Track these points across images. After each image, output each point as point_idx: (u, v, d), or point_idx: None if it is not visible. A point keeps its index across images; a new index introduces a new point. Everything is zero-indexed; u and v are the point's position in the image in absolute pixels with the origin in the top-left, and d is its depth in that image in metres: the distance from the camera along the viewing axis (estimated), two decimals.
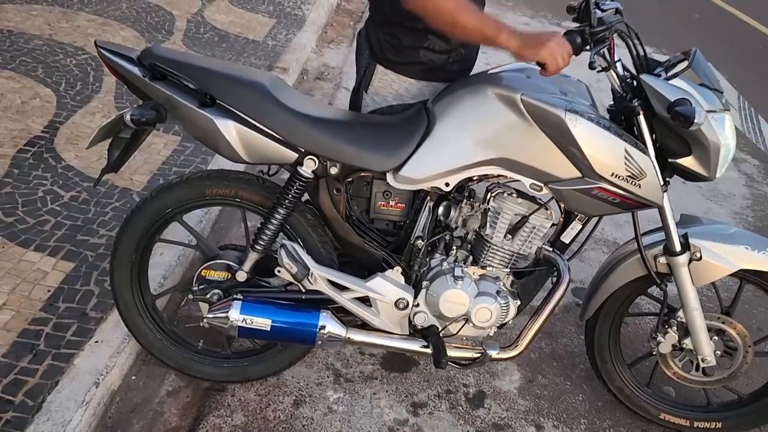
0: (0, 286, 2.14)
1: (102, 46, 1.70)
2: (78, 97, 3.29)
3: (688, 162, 1.69)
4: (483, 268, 1.84)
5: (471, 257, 1.86)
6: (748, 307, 2.73)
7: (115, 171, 1.80)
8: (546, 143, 1.64)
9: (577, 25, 1.64)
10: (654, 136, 1.70)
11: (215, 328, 1.84)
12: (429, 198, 1.81)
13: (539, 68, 1.58)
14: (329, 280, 1.82)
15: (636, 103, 1.67)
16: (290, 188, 1.74)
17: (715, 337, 1.94)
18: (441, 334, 1.87)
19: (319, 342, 1.84)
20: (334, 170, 1.73)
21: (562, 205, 1.78)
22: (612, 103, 1.78)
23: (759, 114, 4.87)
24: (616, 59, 1.70)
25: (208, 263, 1.90)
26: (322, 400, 2.07)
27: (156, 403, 2.00)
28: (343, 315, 1.88)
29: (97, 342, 2.00)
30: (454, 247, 1.87)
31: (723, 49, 6.10)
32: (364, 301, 1.85)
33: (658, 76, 1.67)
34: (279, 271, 1.82)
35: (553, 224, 1.82)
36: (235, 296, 1.84)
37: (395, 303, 1.82)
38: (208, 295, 1.87)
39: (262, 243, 1.81)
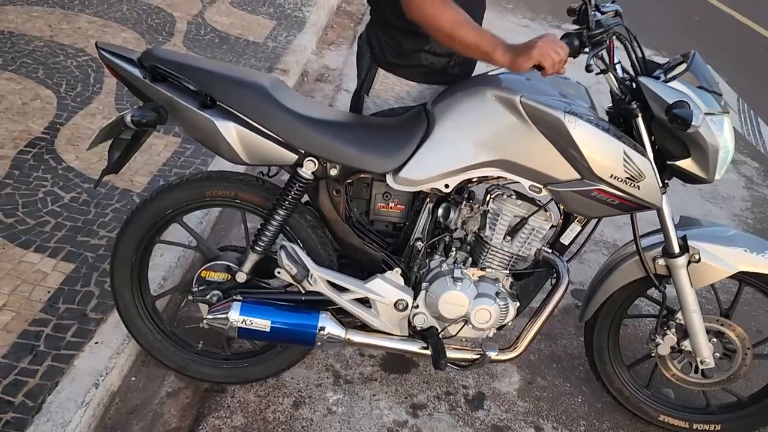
0: (0, 287, 2.14)
1: (103, 47, 1.70)
2: (78, 99, 3.29)
3: (687, 164, 1.70)
4: (482, 269, 1.84)
5: (470, 259, 1.87)
6: (748, 309, 2.74)
7: (115, 172, 1.81)
8: (545, 145, 1.65)
9: (577, 27, 1.64)
10: (653, 138, 1.71)
11: (215, 329, 1.84)
12: (428, 199, 1.82)
13: (539, 71, 1.58)
14: (329, 282, 1.82)
15: (635, 106, 1.68)
16: (290, 189, 1.75)
17: (714, 339, 1.95)
18: (440, 336, 1.87)
19: (319, 343, 1.85)
20: (333, 172, 1.74)
21: (562, 207, 1.78)
22: (611, 105, 1.79)
23: (758, 116, 4.87)
24: (615, 61, 1.71)
25: (208, 264, 1.90)
26: (321, 402, 2.08)
27: (155, 404, 2.01)
28: (342, 316, 1.88)
29: (97, 343, 2.01)
30: (454, 249, 1.87)
31: (722, 52, 6.11)
32: (364, 302, 1.85)
33: (657, 78, 1.67)
34: (279, 273, 1.82)
35: (552, 226, 1.82)
36: (234, 297, 1.85)
37: (395, 304, 1.82)
38: (207, 296, 1.87)
39: (262, 244, 1.82)
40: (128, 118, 1.62)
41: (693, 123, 1.55)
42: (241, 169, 2.29)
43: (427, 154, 1.70)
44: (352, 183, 1.86)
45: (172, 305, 2.31)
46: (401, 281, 1.85)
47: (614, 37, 1.66)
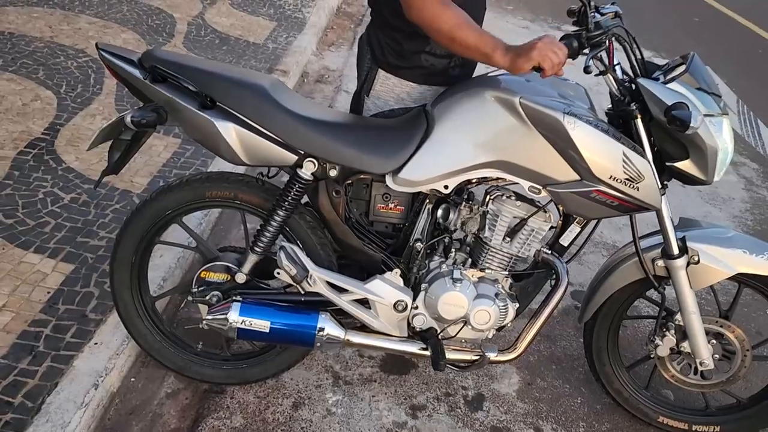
0: (0, 287, 2.14)
1: (103, 48, 1.70)
2: (79, 100, 3.29)
3: (686, 165, 1.70)
4: (482, 270, 1.84)
5: (470, 260, 1.87)
6: (747, 310, 2.74)
7: (115, 173, 1.81)
8: (544, 146, 1.65)
9: (576, 28, 1.65)
10: (652, 139, 1.71)
11: (214, 329, 1.84)
12: (428, 200, 1.82)
13: (538, 73, 1.58)
14: (328, 282, 1.82)
15: (634, 107, 1.68)
16: (290, 190, 1.75)
17: (714, 341, 1.95)
18: (440, 337, 1.87)
19: (318, 344, 1.85)
20: (333, 172, 1.74)
21: (561, 208, 1.78)
22: (610, 106, 1.79)
23: (758, 118, 4.88)
24: (614, 63, 1.71)
25: (208, 265, 1.90)
26: (321, 403, 2.08)
27: (155, 404, 2.01)
28: (342, 317, 1.88)
29: (96, 344, 2.01)
30: (453, 250, 1.87)
31: (722, 53, 6.11)
32: (363, 303, 1.85)
33: (656, 79, 1.68)
34: (278, 273, 1.82)
35: (551, 227, 1.82)
36: (234, 298, 1.85)
37: (394, 305, 1.82)
38: (207, 297, 1.87)
39: (262, 245, 1.82)
40: (128, 119, 1.62)
41: (692, 124, 1.55)
42: (240, 169, 2.30)
43: (426, 155, 1.70)
44: (352, 184, 1.86)
45: (172, 306, 2.31)
46: (401, 282, 1.85)
47: (613, 39, 1.66)
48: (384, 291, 1.82)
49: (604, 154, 1.63)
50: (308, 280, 1.79)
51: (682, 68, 1.68)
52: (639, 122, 1.69)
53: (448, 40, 1.61)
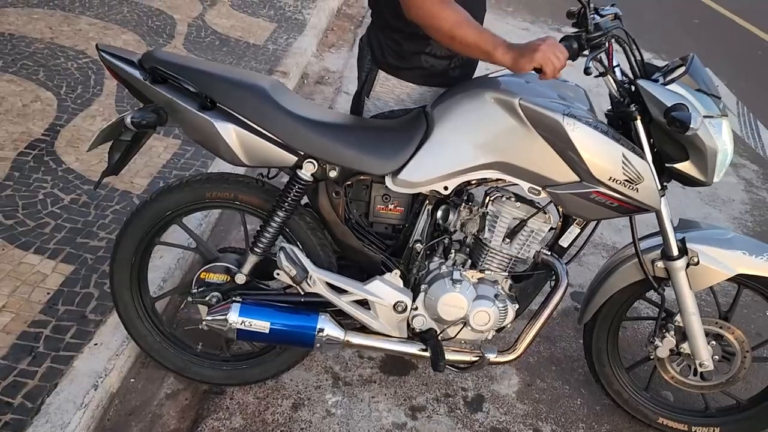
0: (0, 288, 2.14)
1: (103, 49, 1.71)
2: (79, 101, 3.30)
3: (686, 167, 1.70)
4: (481, 271, 1.85)
5: (469, 261, 1.87)
6: (747, 312, 2.74)
7: (115, 174, 1.81)
8: (544, 147, 1.65)
9: (576, 30, 1.65)
10: (651, 141, 1.71)
11: (214, 330, 1.84)
12: (428, 201, 1.82)
13: (538, 74, 1.58)
14: (328, 283, 1.82)
15: (633, 108, 1.68)
16: (289, 191, 1.75)
17: (713, 342, 1.95)
18: (439, 338, 1.87)
19: (318, 345, 1.85)
20: (333, 173, 1.74)
21: (560, 209, 1.78)
22: (610, 107, 1.79)
23: (758, 119, 4.88)
24: (614, 64, 1.71)
25: (208, 266, 1.90)
26: (320, 404, 2.08)
27: (155, 405, 2.01)
28: (341, 318, 1.88)
29: (96, 344, 2.01)
30: (453, 251, 1.87)
31: (722, 55, 6.12)
32: (363, 304, 1.85)
33: (656, 81, 1.68)
34: (278, 274, 1.82)
35: (551, 228, 1.83)
36: (234, 299, 1.85)
37: (394, 306, 1.82)
38: (207, 298, 1.87)
39: (261, 246, 1.82)
40: (128, 120, 1.62)
41: (691, 126, 1.55)
42: (240, 170, 2.30)
43: (426, 156, 1.70)
44: (352, 185, 1.86)
45: (172, 307, 2.31)
46: (400, 283, 1.85)
47: (613, 40, 1.67)
48: (384, 292, 1.82)
49: (604, 156, 1.63)
50: (308, 280, 1.79)
51: (682, 70, 1.68)
52: (638, 123, 1.69)
53: (448, 38, 1.61)
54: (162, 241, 1.97)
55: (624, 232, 3.14)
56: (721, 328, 1.95)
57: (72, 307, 2.13)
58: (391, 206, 1.89)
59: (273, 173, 1.90)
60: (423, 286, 1.84)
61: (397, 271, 1.84)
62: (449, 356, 1.88)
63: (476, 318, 1.81)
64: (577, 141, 1.61)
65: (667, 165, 1.73)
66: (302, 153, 1.71)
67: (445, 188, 1.72)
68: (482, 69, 1.90)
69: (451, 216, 1.82)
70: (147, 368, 2.11)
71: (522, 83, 1.71)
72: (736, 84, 5.39)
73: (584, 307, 2.04)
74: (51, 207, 2.55)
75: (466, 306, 1.80)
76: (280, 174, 1.90)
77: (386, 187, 1.75)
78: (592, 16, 1.62)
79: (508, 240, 1.80)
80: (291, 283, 1.82)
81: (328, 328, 1.84)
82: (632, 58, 1.71)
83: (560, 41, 1.60)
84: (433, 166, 1.70)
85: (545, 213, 1.79)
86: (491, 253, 1.81)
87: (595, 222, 1.83)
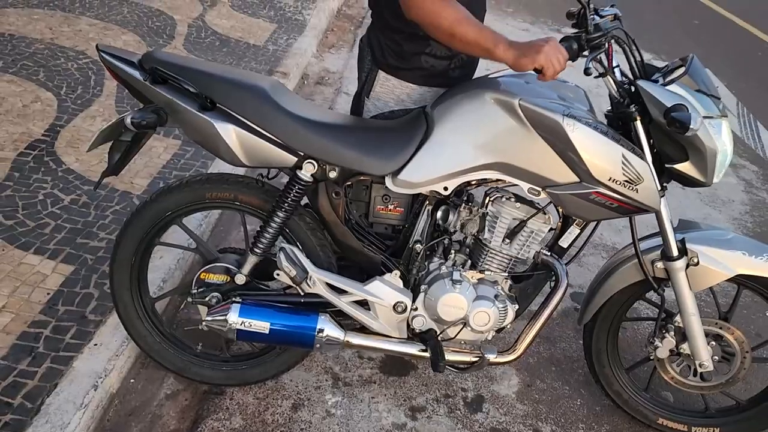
0: (0, 288, 2.14)
1: (103, 49, 1.71)
2: (79, 101, 3.30)
3: (685, 167, 1.70)
4: (481, 272, 1.85)
5: (469, 261, 1.87)
6: (747, 312, 2.74)
7: (115, 174, 1.81)
8: (544, 148, 1.65)
9: (576, 30, 1.65)
10: (651, 141, 1.71)
11: (214, 331, 1.84)
12: (428, 202, 1.82)
13: (537, 74, 1.58)
14: (328, 284, 1.82)
15: (633, 109, 1.68)
16: (289, 192, 1.75)
17: (713, 343, 1.95)
18: (439, 338, 1.87)
19: (318, 345, 1.85)
20: (333, 174, 1.74)
21: (560, 210, 1.78)
22: (610, 108, 1.79)
23: (758, 120, 4.88)
24: (613, 65, 1.71)
25: (208, 266, 1.90)
26: (320, 404, 2.08)
27: (154, 406, 2.01)
28: (341, 318, 1.88)
29: (96, 345, 2.01)
30: (453, 251, 1.87)
31: (722, 56, 6.12)
32: (363, 304, 1.85)
33: (656, 82, 1.68)
34: (278, 275, 1.82)
35: (551, 229, 1.83)
36: (233, 299, 1.85)
37: (393, 306, 1.82)
38: (207, 298, 1.87)
39: (261, 246, 1.82)
40: (128, 120, 1.63)
41: (691, 126, 1.55)
42: (240, 171, 2.30)
43: (426, 156, 1.70)
44: (352, 185, 1.86)
45: (172, 307, 2.31)
46: (400, 283, 1.85)
47: (612, 41, 1.67)
48: (383, 292, 1.82)
49: (604, 156, 1.63)
50: (308, 281, 1.79)
51: (682, 70, 1.68)
52: (638, 124, 1.69)
53: (448, 36, 1.61)
54: (162, 241, 1.97)
55: (624, 233, 3.14)
56: (720, 328, 1.95)
57: (72, 308, 2.13)
58: (390, 207, 1.89)
59: (273, 174, 1.90)
60: (423, 287, 1.84)
61: (396, 272, 1.84)
62: (449, 357, 1.88)
63: (476, 318, 1.81)
64: (577, 141, 1.61)
65: (666, 165, 1.73)
66: (302, 153, 1.71)
67: (445, 189, 1.73)
68: (482, 69, 1.90)
69: (451, 216, 1.82)
70: (147, 369, 2.11)
71: (522, 84, 1.72)
72: (736, 85, 5.39)
73: (584, 307, 2.04)
74: (51, 207, 2.55)
75: (466, 306, 1.80)
76: (280, 174, 1.90)
77: (386, 187, 1.75)
78: (591, 16, 1.62)
79: (507, 240, 1.80)
80: (291, 283, 1.82)
81: (328, 328, 1.84)
82: (632, 59, 1.71)
83: (560, 41, 1.60)
84: (433, 166, 1.70)
85: (545, 213, 1.79)
86: (491, 253, 1.81)
87: (595, 223, 1.83)
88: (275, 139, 1.69)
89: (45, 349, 1.97)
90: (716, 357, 1.96)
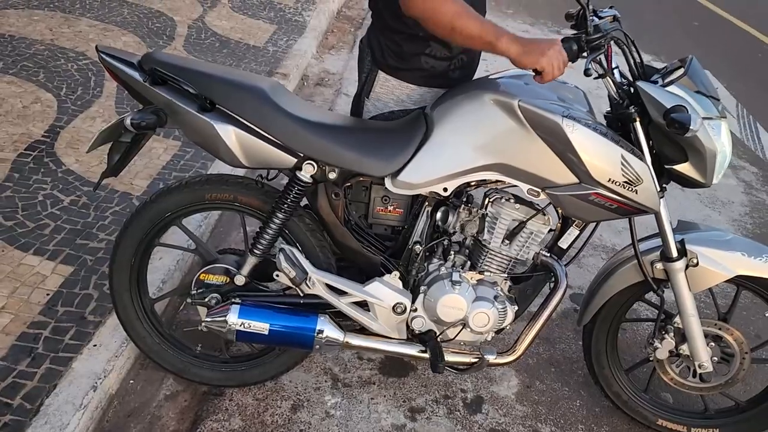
0: None
1: (103, 50, 1.71)
2: (79, 102, 3.30)
3: (685, 168, 1.70)
4: (481, 273, 1.85)
5: (469, 262, 1.87)
6: (746, 314, 2.74)
7: (115, 175, 1.81)
8: (543, 149, 1.65)
9: (575, 32, 1.65)
10: (650, 142, 1.71)
11: (213, 332, 1.84)
12: (427, 203, 1.82)
13: (534, 75, 1.59)
14: (327, 285, 1.82)
15: (632, 110, 1.68)
16: (289, 193, 1.75)
17: (712, 344, 1.95)
18: (439, 339, 1.87)
19: (317, 346, 1.85)
20: (332, 175, 1.74)
21: (560, 211, 1.78)
22: (609, 109, 1.79)
23: (757, 122, 4.88)
24: (613, 66, 1.71)
25: (207, 267, 1.90)
26: (319, 405, 2.07)
27: (154, 407, 2.01)
28: (341, 319, 1.88)
29: (95, 346, 2.01)
30: (452, 252, 1.87)
31: (722, 57, 6.12)
32: (362, 305, 1.85)
33: (655, 83, 1.68)
34: (277, 276, 1.82)
35: (550, 230, 1.83)
36: (233, 300, 1.85)
37: (393, 307, 1.82)
38: (206, 299, 1.87)
39: (261, 247, 1.82)
40: (128, 121, 1.63)
41: (691, 127, 1.55)
42: (240, 172, 2.30)
43: (425, 157, 1.70)
44: (351, 186, 1.86)
45: (171, 308, 2.31)
46: (400, 284, 1.85)
47: (612, 42, 1.67)
48: (383, 293, 1.82)
49: (603, 157, 1.63)
50: (307, 282, 1.79)
51: (681, 71, 1.68)
52: (638, 125, 1.69)
53: (449, 30, 1.59)
54: (161, 242, 1.97)
55: (623, 234, 3.14)
56: (720, 329, 1.95)
57: (71, 309, 2.13)
58: (390, 208, 1.89)
59: (272, 175, 1.90)
60: (422, 288, 1.84)
61: (396, 273, 1.84)
62: (448, 358, 1.88)
63: (475, 319, 1.81)
64: (577, 143, 1.61)
65: (666, 166, 1.73)
66: (302, 155, 1.71)
67: (445, 190, 1.73)
68: (482, 71, 1.90)
69: (450, 217, 1.82)
70: (146, 369, 2.11)
71: (521, 85, 1.72)
72: (736, 86, 5.39)
73: (583, 308, 2.04)
74: (51, 208, 2.55)
75: (466, 307, 1.80)
76: (279, 176, 1.90)
77: (386, 188, 1.75)
78: (591, 18, 1.62)
79: (507, 241, 1.80)
80: (290, 284, 1.82)
81: (328, 329, 1.84)
82: (631, 60, 1.72)
83: (561, 42, 1.60)
84: (433, 167, 1.70)
85: (544, 214, 1.79)
86: (490, 254, 1.81)
87: (595, 224, 1.83)
88: (275, 140, 1.69)
89: (44, 350, 1.97)
90: (715, 358, 1.96)
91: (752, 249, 1.84)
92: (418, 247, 1.84)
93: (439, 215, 1.82)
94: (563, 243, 1.84)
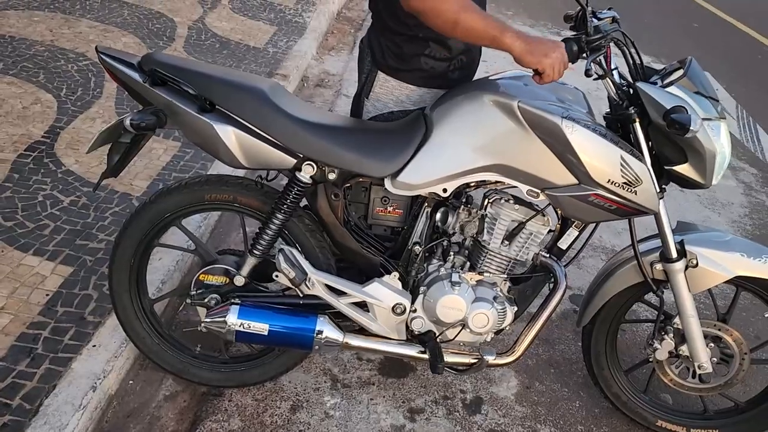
0: None
1: (103, 51, 1.71)
2: (79, 103, 3.30)
3: (684, 169, 1.70)
4: (480, 273, 1.85)
5: (468, 263, 1.87)
6: (746, 315, 2.74)
7: (114, 176, 1.81)
8: (542, 150, 1.65)
9: (574, 33, 1.65)
10: (650, 143, 1.71)
11: (213, 332, 1.84)
12: (427, 204, 1.82)
13: (533, 74, 1.59)
14: (327, 285, 1.82)
15: (632, 111, 1.68)
16: (288, 193, 1.75)
17: (712, 344, 1.95)
18: (438, 340, 1.87)
19: (317, 347, 1.85)
20: (332, 176, 1.74)
21: (559, 212, 1.78)
22: (608, 110, 1.79)
23: (757, 123, 4.89)
24: (612, 67, 1.72)
25: (207, 268, 1.90)
26: (319, 406, 2.07)
27: (153, 407, 2.01)
28: (340, 320, 1.88)
29: (94, 346, 2.01)
30: (452, 253, 1.87)
31: (722, 59, 6.13)
32: (362, 306, 1.85)
33: (654, 84, 1.68)
34: (277, 276, 1.82)
35: (550, 231, 1.83)
36: (232, 301, 1.85)
37: (392, 308, 1.82)
38: (206, 300, 1.88)
39: (260, 248, 1.82)
40: (128, 122, 1.63)
41: (691, 128, 1.55)
42: (239, 173, 2.30)
43: (425, 158, 1.70)
44: (351, 187, 1.86)
45: (171, 309, 2.31)
46: (399, 285, 1.85)
47: (611, 43, 1.67)
48: (382, 294, 1.82)
49: (603, 158, 1.64)
50: (307, 282, 1.79)
51: (680, 72, 1.69)
52: (637, 126, 1.69)
53: (452, 23, 1.57)
54: (161, 243, 1.97)
55: (623, 235, 3.14)
56: (719, 330, 1.95)
57: (71, 309, 2.13)
58: (390, 208, 1.89)
59: (272, 175, 1.90)
60: (422, 288, 1.84)
61: (395, 274, 1.84)
62: (448, 358, 1.88)
63: (475, 320, 1.81)
64: (576, 144, 1.61)
65: (665, 167, 1.73)
66: (301, 155, 1.71)
67: (444, 190, 1.73)
68: (481, 72, 1.90)
69: (450, 218, 1.82)
70: (145, 370, 2.11)
71: (521, 86, 1.72)
72: (736, 88, 5.40)
73: (583, 309, 2.04)
74: (50, 209, 2.55)
75: (465, 308, 1.80)
76: (279, 176, 1.90)
77: (385, 189, 1.75)
78: (590, 19, 1.63)
79: (506, 242, 1.80)
80: (290, 285, 1.82)
81: (327, 330, 1.84)
82: (631, 61, 1.72)
83: (561, 41, 1.60)
84: (432, 168, 1.71)
85: (544, 215, 1.79)
86: (490, 255, 1.82)
87: (594, 225, 1.83)
88: (274, 140, 1.69)
89: (44, 351, 1.97)
90: (715, 359, 1.96)
91: (752, 250, 1.84)
92: (417, 248, 1.84)
93: (438, 216, 1.82)
94: (563, 244, 1.84)
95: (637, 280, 1.91)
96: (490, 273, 1.84)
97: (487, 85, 1.74)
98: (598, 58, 1.64)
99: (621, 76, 1.76)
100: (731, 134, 1.72)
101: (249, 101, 1.68)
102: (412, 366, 2.27)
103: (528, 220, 1.78)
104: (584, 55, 1.62)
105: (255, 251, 1.83)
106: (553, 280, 1.85)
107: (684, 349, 1.94)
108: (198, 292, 1.89)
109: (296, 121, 1.69)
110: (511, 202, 1.78)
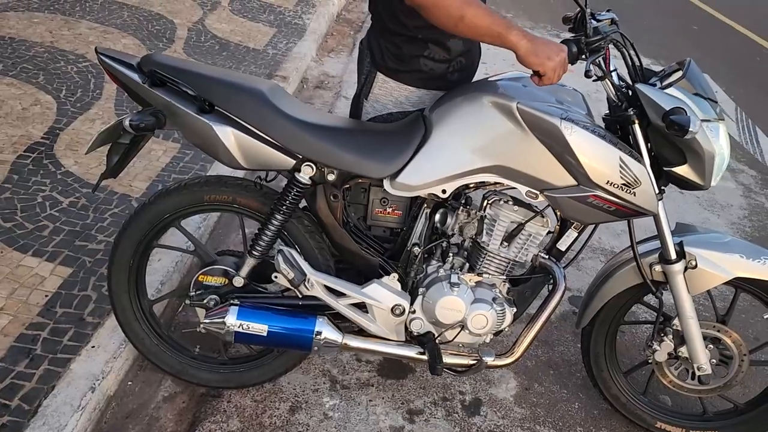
0: None
1: (102, 52, 1.71)
2: (78, 104, 3.30)
3: (683, 170, 1.70)
4: (479, 275, 1.85)
5: (467, 264, 1.87)
6: (745, 316, 2.74)
7: (113, 176, 1.81)
8: (542, 151, 1.65)
9: (573, 35, 1.65)
10: (649, 144, 1.72)
11: (212, 333, 1.84)
12: (426, 205, 1.82)
13: (532, 75, 1.59)
14: (326, 286, 1.82)
15: (631, 112, 1.69)
16: (288, 194, 1.75)
17: (711, 346, 1.95)
18: (437, 341, 1.87)
19: (316, 348, 1.85)
20: (331, 177, 1.75)
21: (558, 213, 1.78)
22: (607, 112, 1.80)
23: (756, 125, 4.89)
24: (611, 69, 1.72)
25: (206, 269, 1.90)
26: (318, 407, 2.07)
27: (152, 408, 2.00)
28: (339, 321, 1.88)
29: (93, 347, 2.01)
30: (451, 254, 1.87)
31: (721, 61, 6.13)
32: (361, 307, 1.85)
33: (653, 85, 1.68)
34: (276, 277, 1.82)
35: (549, 232, 1.83)
36: (231, 302, 1.85)
37: (391, 309, 1.82)
38: (205, 301, 1.87)
39: (260, 249, 1.82)
40: (127, 123, 1.63)
41: (690, 129, 1.56)
42: (239, 173, 2.30)
43: (424, 159, 1.71)
44: (350, 188, 1.86)
45: (170, 310, 2.31)
46: (398, 286, 1.85)
47: (610, 45, 1.67)
48: (381, 295, 1.82)
49: (602, 160, 1.64)
50: (306, 283, 1.79)
51: (679, 74, 1.69)
52: (636, 127, 1.69)
53: (456, 19, 1.55)
54: (160, 244, 1.98)
55: (622, 237, 3.14)
56: (718, 331, 1.95)
57: (70, 310, 2.13)
58: (389, 209, 1.89)
59: (271, 176, 1.90)
60: (421, 290, 1.84)
61: (395, 275, 1.84)
62: (447, 359, 1.87)
63: (474, 321, 1.81)
64: (575, 145, 1.61)
65: (664, 169, 1.73)
66: (300, 156, 1.72)
67: (443, 192, 1.73)
68: (481, 73, 1.91)
69: (449, 219, 1.82)
70: (144, 371, 2.11)
71: (520, 87, 1.72)
72: (735, 90, 5.40)
73: (582, 311, 2.04)
74: (50, 210, 2.55)
75: (464, 309, 1.80)
76: (278, 177, 1.90)
77: (384, 190, 1.75)
78: (589, 20, 1.63)
79: (506, 243, 1.80)
80: (289, 286, 1.82)
81: (326, 331, 1.84)
82: (630, 63, 1.72)
83: (560, 43, 1.60)
84: (431, 169, 1.71)
85: (543, 217, 1.79)
86: (489, 256, 1.82)
87: (593, 226, 1.83)
88: (274, 141, 1.69)
89: (42, 351, 1.97)
90: (714, 360, 1.95)
91: (751, 251, 1.84)
92: (416, 249, 1.84)
93: (437, 217, 1.82)
94: (562, 245, 1.84)
95: (637, 281, 1.91)
96: (489, 274, 1.84)
97: (487, 87, 1.74)
98: (597, 60, 1.64)
99: (620, 77, 1.76)
100: (730, 136, 1.72)
101: (248, 102, 1.68)
102: (411, 367, 2.27)
103: (527, 222, 1.78)
104: (583, 56, 1.63)
105: (254, 252, 1.83)
106: (552, 281, 1.85)
107: (683, 351, 1.94)
108: (197, 293, 1.89)
109: (295, 122, 1.69)
110: (511, 203, 1.79)
